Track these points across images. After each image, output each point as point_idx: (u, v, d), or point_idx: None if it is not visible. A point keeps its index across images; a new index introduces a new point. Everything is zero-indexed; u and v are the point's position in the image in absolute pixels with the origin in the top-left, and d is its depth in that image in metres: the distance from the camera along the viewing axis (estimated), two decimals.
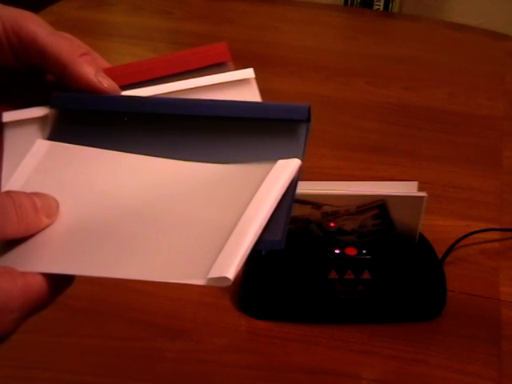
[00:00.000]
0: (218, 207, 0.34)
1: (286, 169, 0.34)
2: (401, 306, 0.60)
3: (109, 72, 0.38)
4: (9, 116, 0.38)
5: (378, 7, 1.71)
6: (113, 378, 0.54)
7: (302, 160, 0.35)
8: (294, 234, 0.58)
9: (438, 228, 0.72)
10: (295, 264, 0.58)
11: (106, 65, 0.39)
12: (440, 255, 0.65)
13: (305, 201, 0.57)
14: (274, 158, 0.35)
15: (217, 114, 0.36)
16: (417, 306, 0.60)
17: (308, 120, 0.36)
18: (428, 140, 0.92)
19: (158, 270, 0.32)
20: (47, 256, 0.33)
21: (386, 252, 0.58)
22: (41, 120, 0.38)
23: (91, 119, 0.37)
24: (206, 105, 0.37)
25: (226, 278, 0.29)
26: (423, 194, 0.56)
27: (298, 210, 0.57)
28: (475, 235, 0.71)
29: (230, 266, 0.30)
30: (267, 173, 0.33)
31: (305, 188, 0.56)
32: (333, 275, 0.57)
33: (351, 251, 0.58)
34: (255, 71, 0.41)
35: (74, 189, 0.36)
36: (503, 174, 0.84)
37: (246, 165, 0.35)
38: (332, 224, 0.58)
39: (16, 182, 0.36)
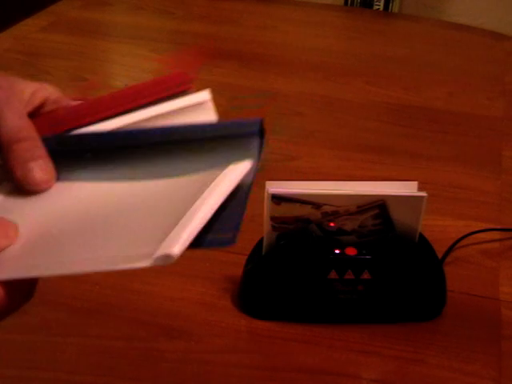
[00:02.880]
0: (167, 207, 0.35)
1: (235, 169, 0.35)
2: (401, 306, 0.60)
3: (73, 110, 0.40)
4: None
5: (378, 7, 1.71)
6: (113, 377, 0.54)
7: (256, 170, 0.36)
8: (294, 234, 0.58)
9: (438, 228, 0.72)
10: (295, 264, 0.58)
11: (71, 103, 0.40)
12: (440, 255, 0.65)
13: (305, 201, 0.57)
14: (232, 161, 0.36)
15: (174, 138, 0.37)
16: (417, 306, 0.60)
17: (260, 133, 0.37)
18: (428, 140, 0.92)
19: (105, 261, 0.32)
20: (4, 268, 0.34)
21: (386, 252, 0.58)
22: None
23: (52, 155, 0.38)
24: (163, 131, 0.38)
25: (170, 256, 0.30)
26: (423, 193, 0.56)
27: (298, 210, 0.57)
28: (475, 235, 0.71)
29: (174, 244, 0.30)
30: (218, 175, 0.35)
31: (305, 188, 0.56)
32: (333, 275, 0.57)
33: (351, 251, 0.58)
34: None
35: (30, 210, 0.37)
36: (503, 174, 0.84)
37: (201, 173, 0.36)
38: (332, 224, 0.58)
39: None
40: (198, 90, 0.41)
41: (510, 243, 0.72)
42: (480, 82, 1.11)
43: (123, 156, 0.38)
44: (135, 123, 0.39)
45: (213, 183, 0.34)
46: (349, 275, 0.57)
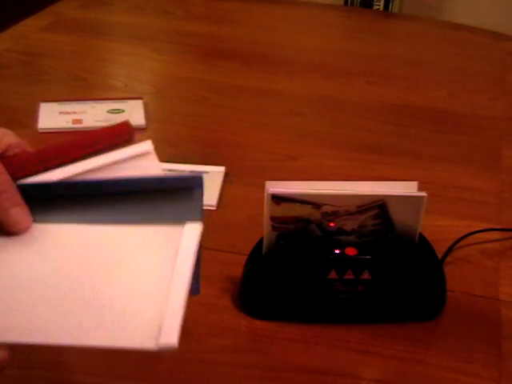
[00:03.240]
0: (145, 270, 0.40)
1: (194, 236, 0.41)
2: (401, 306, 0.60)
3: (30, 156, 0.44)
4: None
5: (377, 7, 1.71)
6: (113, 377, 0.54)
7: (201, 219, 0.42)
8: (294, 234, 0.58)
9: (438, 228, 0.72)
10: (295, 264, 0.58)
11: (29, 148, 0.44)
12: (440, 255, 0.65)
13: (305, 201, 0.57)
14: (179, 218, 0.42)
15: (127, 189, 0.43)
16: (417, 306, 0.60)
17: (201, 184, 0.43)
18: (428, 140, 0.92)
19: (107, 336, 0.36)
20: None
21: (386, 252, 0.58)
22: None
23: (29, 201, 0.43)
24: (117, 183, 0.43)
25: (172, 346, 0.36)
26: (423, 193, 0.56)
27: (298, 210, 0.57)
28: (475, 235, 0.71)
29: (174, 333, 0.36)
30: (180, 236, 0.41)
31: (305, 188, 0.56)
32: (333, 275, 0.57)
33: (351, 251, 0.58)
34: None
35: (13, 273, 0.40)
36: (503, 174, 0.84)
37: (161, 227, 0.42)
38: (332, 224, 0.58)
39: None
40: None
41: (510, 243, 0.72)
42: (480, 82, 1.11)
43: (84, 202, 0.43)
44: (88, 172, 0.44)
45: (180, 252, 0.40)
46: (349, 275, 0.57)
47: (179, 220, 0.42)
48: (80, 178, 0.44)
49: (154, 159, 0.45)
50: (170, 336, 0.36)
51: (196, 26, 1.30)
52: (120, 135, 0.45)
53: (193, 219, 0.42)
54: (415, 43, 1.27)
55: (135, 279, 0.39)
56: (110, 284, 0.39)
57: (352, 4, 1.74)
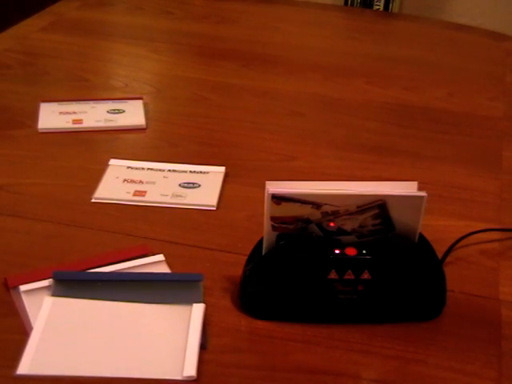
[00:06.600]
0: (171, 330, 0.57)
1: (200, 312, 0.59)
2: (401, 306, 0.60)
3: (88, 260, 0.64)
4: (25, 286, 0.61)
5: (378, 7, 1.72)
6: (113, 377, 0.54)
7: (203, 302, 0.60)
8: (294, 234, 0.58)
9: (438, 228, 0.72)
10: (295, 264, 0.58)
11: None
12: (440, 255, 0.65)
13: (305, 201, 0.57)
14: (188, 301, 0.60)
15: (150, 279, 0.63)
16: (417, 306, 0.60)
17: (202, 280, 0.62)
18: (428, 140, 0.92)
19: (142, 369, 0.54)
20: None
21: (386, 252, 0.58)
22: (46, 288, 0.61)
23: (77, 284, 0.62)
24: (144, 276, 0.63)
25: (193, 377, 0.53)
26: (423, 193, 0.56)
27: (298, 210, 0.57)
28: (475, 235, 0.71)
29: (193, 368, 0.54)
30: (190, 312, 0.59)
31: (305, 188, 0.56)
32: (333, 275, 0.57)
33: (351, 251, 0.58)
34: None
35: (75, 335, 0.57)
36: (503, 174, 0.84)
37: (177, 306, 0.60)
38: (332, 224, 0.58)
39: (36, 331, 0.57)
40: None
41: (509, 243, 0.72)
42: (480, 81, 1.11)
43: (119, 285, 0.61)
44: (118, 270, 0.64)
45: (192, 321, 0.58)
46: (349, 275, 0.57)
47: (188, 302, 0.60)
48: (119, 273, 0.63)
49: (165, 265, 0.65)
50: (191, 370, 0.53)
51: (196, 26, 1.30)
52: (139, 252, 0.66)
53: (197, 302, 0.60)
54: (415, 43, 1.27)
55: (161, 338, 0.57)
56: (146, 340, 0.56)
57: (352, 4, 1.74)
